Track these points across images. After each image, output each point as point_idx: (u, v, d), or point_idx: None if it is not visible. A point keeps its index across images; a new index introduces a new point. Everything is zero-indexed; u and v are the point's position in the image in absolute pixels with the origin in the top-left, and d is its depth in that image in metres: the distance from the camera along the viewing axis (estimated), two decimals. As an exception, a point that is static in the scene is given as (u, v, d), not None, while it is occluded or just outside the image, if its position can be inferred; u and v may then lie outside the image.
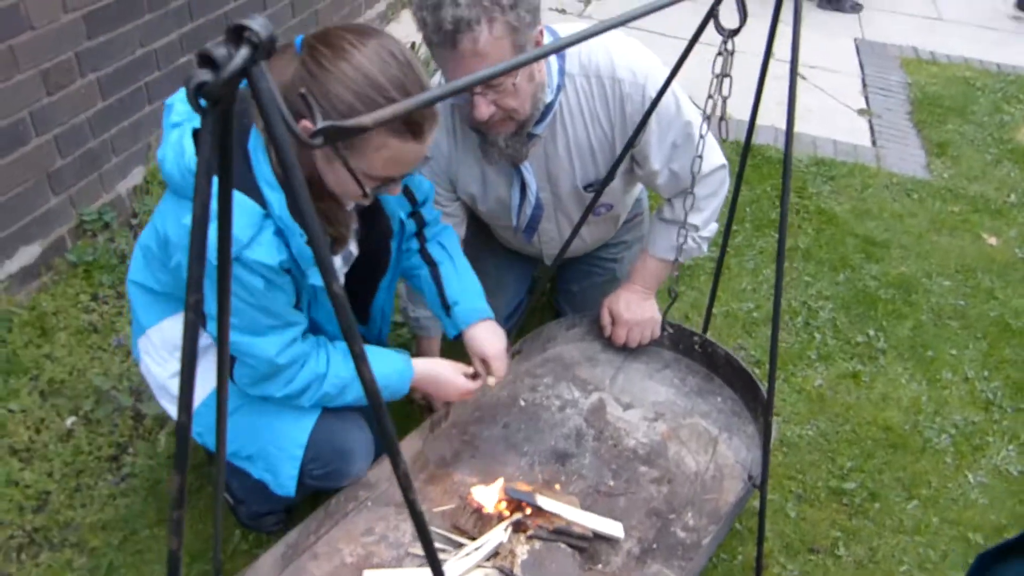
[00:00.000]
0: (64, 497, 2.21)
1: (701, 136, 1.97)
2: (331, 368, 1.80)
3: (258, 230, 1.53)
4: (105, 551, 2.09)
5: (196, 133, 1.52)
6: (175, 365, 1.88)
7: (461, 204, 2.37)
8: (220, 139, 0.84)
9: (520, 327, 2.53)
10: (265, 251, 1.54)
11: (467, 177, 2.23)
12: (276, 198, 1.54)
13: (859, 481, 2.47)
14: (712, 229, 2.31)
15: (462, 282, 2.10)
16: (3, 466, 2.25)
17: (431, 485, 2.03)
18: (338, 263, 1.88)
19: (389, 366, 1.89)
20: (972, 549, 2.34)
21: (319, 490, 2.02)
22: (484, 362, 2.06)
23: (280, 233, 1.57)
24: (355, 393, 1.84)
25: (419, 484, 2.03)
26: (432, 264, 2.09)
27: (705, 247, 2.33)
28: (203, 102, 0.76)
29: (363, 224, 1.90)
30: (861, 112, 4.49)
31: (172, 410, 1.94)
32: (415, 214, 2.02)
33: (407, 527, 1.93)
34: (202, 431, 1.88)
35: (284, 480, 1.87)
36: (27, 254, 2.71)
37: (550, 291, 2.91)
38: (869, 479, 2.49)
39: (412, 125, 1.50)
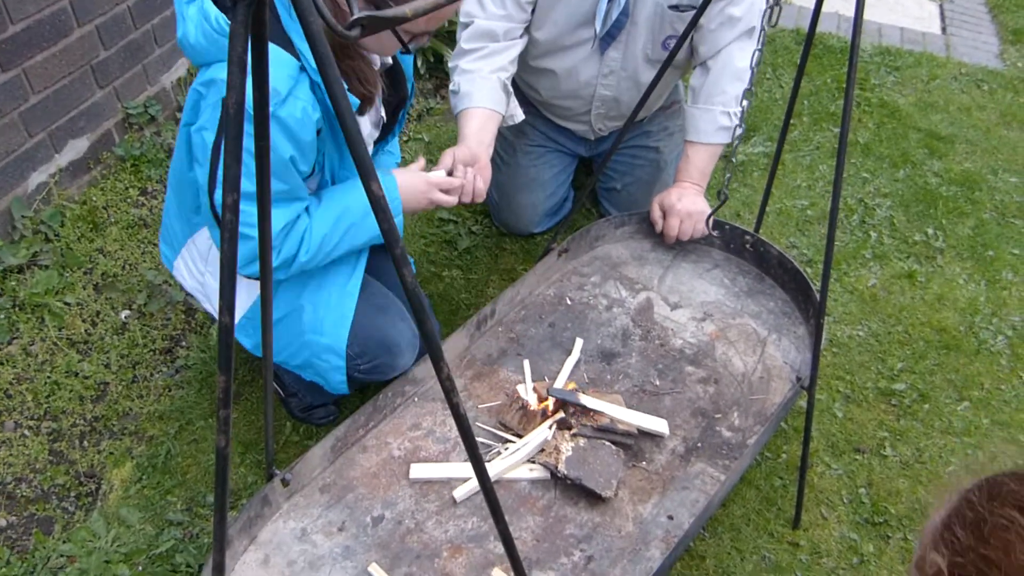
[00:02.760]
0: (122, 388, 2.28)
1: None
2: (318, 209, 1.74)
3: (295, 83, 1.51)
4: (163, 440, 2.16)
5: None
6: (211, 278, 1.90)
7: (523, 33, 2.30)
8: (256, 29, 0.81)
9: (568, 226, 2.49)
10: (301, 105, 1.51)
11: None
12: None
13: (909, 382, 2.44)
14: (746, 104, 2.24)
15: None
16: (63, 357, 2.32)
17: (477, 382, 2.04)
18: (367, 129, 1.87)
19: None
20: (1022, 452, 2.31)
21: (368, 383, 2.05)
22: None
23: (314, 88, 1.54)
24: (345, 226, 1.77)
25: (465, 381, 2.05)
26: None
27: (743, 124, 2.26)
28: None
29: (386, 89, 1.88)
30: (932, -4, 4.24)
31: (211, 310, 1.98)
32: None
33: (453, 423, 1.95)
34: (248, 343, 1.92)
35: (335, 385, 1.92)
36: (76, 148, 2.72)
37: (592, 190, 2.84)
38: (920, 380, 2.45)
39: None
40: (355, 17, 0.78)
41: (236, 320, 1.89)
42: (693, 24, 1.78)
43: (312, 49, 0.77)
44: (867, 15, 3.94)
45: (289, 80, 1.49)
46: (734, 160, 2.14)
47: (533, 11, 2.23)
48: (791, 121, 3.32)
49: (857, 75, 3.60)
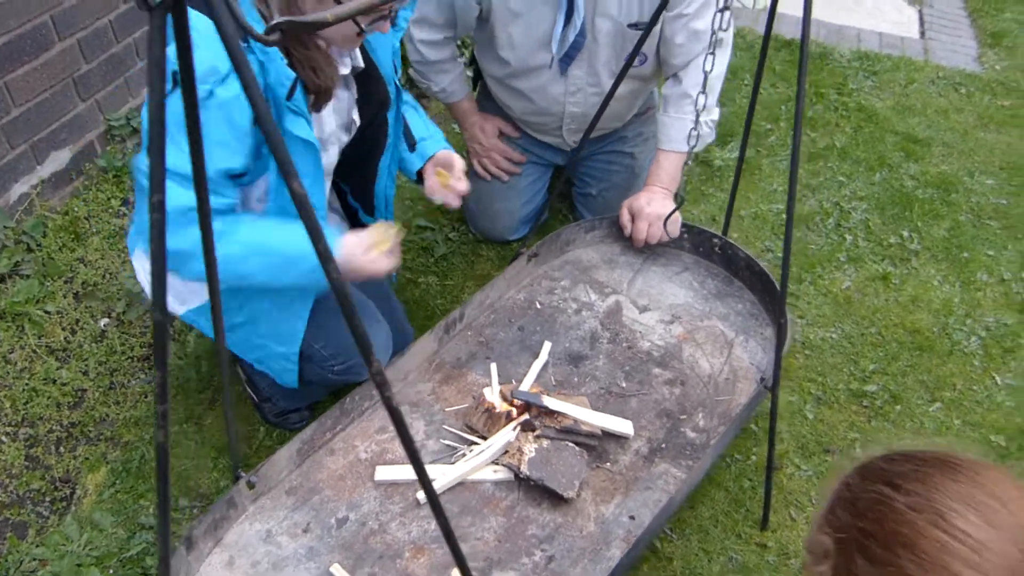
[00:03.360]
0: (99, 394, 2.31)
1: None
2: (240, 229, 1.64)
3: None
4: (137, 445, 2.19)
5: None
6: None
7: (455, 52, 2.49)
8: (179, 35, 0.83)
9: (541, 231, 2.52)
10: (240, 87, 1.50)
11: None
12: (256, 22, 1.47)
13: (881, 384, 2.45)
14: (717, 113, 2.34)
15: (425, 123, 2.10)
16: (41, 365, 2.35)
17: (445, 385, 2.07)
18: (331, 128, 1.82)
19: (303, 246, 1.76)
20: (993, 451, 2.33)
21: (342, 384, 2.08)
22: (447, 169, 2.01)
23: (260, 64, 1.51)
24: (260, 263, 1.66)
25: (434, 384, 2.07)
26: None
27: (714, 133, 2.35)
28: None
29: (361, 92, 1.87)
30: (912, 1, 4.26)
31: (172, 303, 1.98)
32: None
33: (420, 425, 1.98)
34: (205, 325, 1.94)
35: (286, 378, 1.95)
36: (58, 159, 2.76)
37: (569, 197, 2.88)
38: (892, 382, 2.46)
39: None
40: (274, 22, 0.81)
41: (193, 306, 1.92)
42: (641, 42, 1.84)
43: (228, 52, 0.79)
44: (845, 20, 3.97)
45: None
46: (689, 164, 2.17)
47: (486, 19, 2.27)
48: (767, 126, 3.35)
49: (833, 80, 3.64)
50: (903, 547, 0.79)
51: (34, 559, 1.95)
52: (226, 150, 1.55)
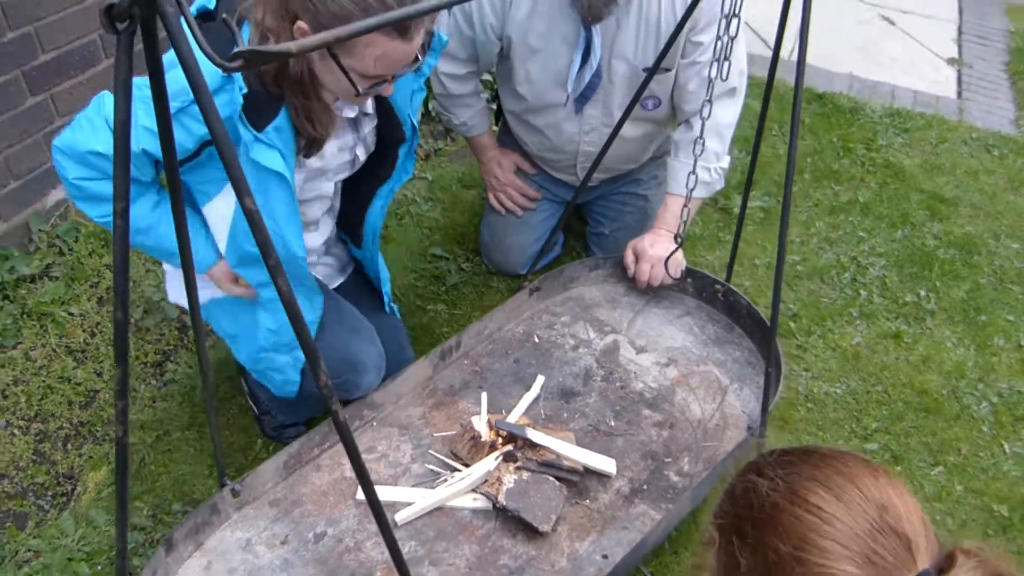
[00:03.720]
0: (109, 396, 2.39)
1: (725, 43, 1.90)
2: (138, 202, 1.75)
3: (220, 84, 1.52)
4: (139, 447, 2.26)
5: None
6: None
7: (477, 87, 2.56)
8: (149, 57, 0.89)
9: (554, 267, 2.56)
10: (223, 105, 1.53)
11: (531, 32, 2.24)
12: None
13: (883, 443, 2.42)
14: (727, 161, 2.36)
15: None
16: (59, 363, 2.45)
17: (436, 411, 2.11)
18: (333, 163, 1.88)
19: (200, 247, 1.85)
20: (994, 520, 2.28)
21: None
22: None
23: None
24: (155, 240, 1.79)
25: (425, 409, 2.11)
26: None
27: (723, 180, 2.38)
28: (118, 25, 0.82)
29: (378, 128, 1.92)
30: (951, 61, 4.24)
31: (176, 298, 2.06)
32: None
33: (407, 448, 2.02)
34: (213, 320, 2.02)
35: (286, 388, 1.99)
36: (94, 169, 2.88)
37: (583, 235, 2.92)
38: (894, 441, 2.43)
39: (399, 25, 1.47)
40: (237, 50, 0.85)
41: (202, 302, 1.98)
42: (647, 83, 1.88)
43: (185, 72, 0.85)
44: (881, 77, 3.96)
45: (216, 78, 1.51)
46: (689, 208, 2.19)
47: (506, 55, 2.33)
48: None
49: (862, 135, 3.63)
50: (767, 525, 0.89)
51: (29, 550, 2.02)
52: (153, 138, 1.58)
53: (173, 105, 1.52)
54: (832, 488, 0.87)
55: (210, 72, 1.51)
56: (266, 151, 1.63)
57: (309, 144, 1.71)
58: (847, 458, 0.92)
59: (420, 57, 1.63)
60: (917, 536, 0.85)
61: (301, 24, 1.49)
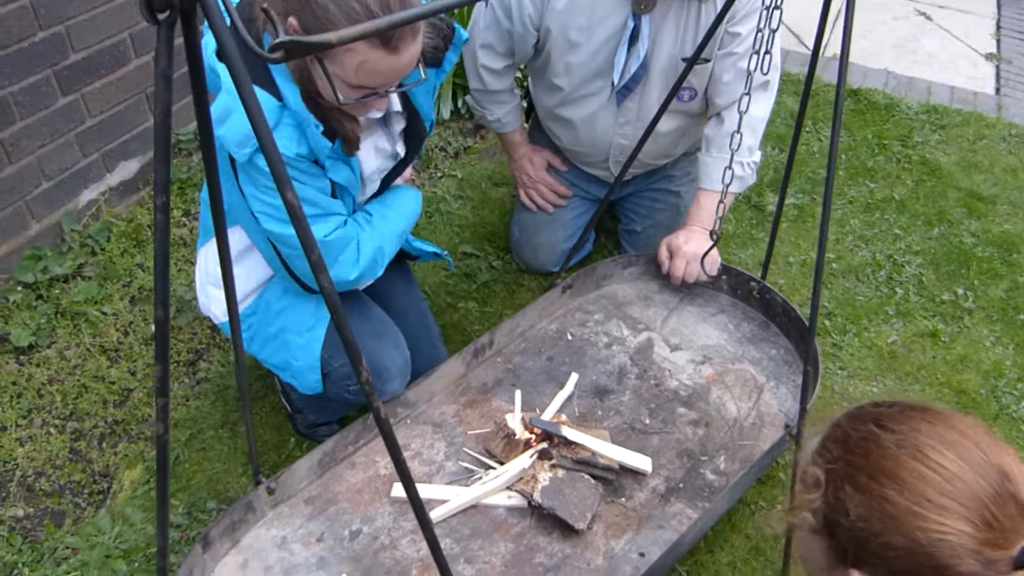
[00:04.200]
0: (143, 395, 2.40)
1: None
2: (374, 227, 1.89)
3: (276, 123, 1.58)
4: (174, 446, 2.26)
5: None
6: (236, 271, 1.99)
7: (513, 83, 2.55)
8: (188, 47, 0.89)
9: (584, 265, 2.54)
10: (284, 143, 1.59)
11: (572, 24, 2.22)
12: (291, 91, 1.58)
13: (921, 442, 2.38)
14: (759, 156, 2.33)
15: None
16: (93, 363, 2.46)
17: (469, 409, 2.09)
18: (377, 163, 1.91)
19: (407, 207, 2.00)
20: None
21: (362, 404, 2.12)
22: None
23: (299, 126, 1.61)
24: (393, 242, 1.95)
25: (458, 407, 2.10)
26: None
27: (755, 175, 2.35)
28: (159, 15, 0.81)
29: (406, 127, 1.94)
30: (989, 57, 4.17)
31: (214, 310, 2.07)
32: None
33: (441, 446, 2.01)
34: (248, 337, 2.01)
35: (310, 384, 1.99)
36: (126, 169, 2.90)
37: (615, 233, 2.90)
38: (933, 441, 2.39)
39: (383, 35, 1.45)
40: (277, 41, 0.85)
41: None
42: (686, 73, 1.84)
43: (227, 66, 0.84)
44: (917, 73, 3.90)
45: (269, 120, 1.53)
46: (725, 204, 2.16)
47: (542, 47, 2.32)
48: (824, 175, 3.30)
49: (898, 132, 3.58)
50: (886, 476, 0.90)
51: (67, 547, 2.03)
52: (301, 184, 1.68)
53: (242, 154, 1.57)
54: (957, 449, 0.89)
55: (266, 108, 1.55)
56: (342, 167, 1.69)
57: (345, 144, 1.72)
58: (969, 421, 0.93)
59: (423, 72, 1.62)
60: None
61: (292, 20, 1.47)
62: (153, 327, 2.58)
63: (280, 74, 1.58)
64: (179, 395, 2.41)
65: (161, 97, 0.86)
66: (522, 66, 2.66)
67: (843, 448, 0.97)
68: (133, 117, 2.86)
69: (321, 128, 1.61)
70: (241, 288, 1.91)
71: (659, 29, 2.19)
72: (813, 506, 0.97)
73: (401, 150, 1.95)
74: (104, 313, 2.60)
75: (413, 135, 1.95)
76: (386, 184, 1.99)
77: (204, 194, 2.01)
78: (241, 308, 1.96)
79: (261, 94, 1.56)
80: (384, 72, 1.53)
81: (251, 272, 1.95)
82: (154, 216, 0.93)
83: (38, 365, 2.44)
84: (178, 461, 2.24)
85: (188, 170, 3.06)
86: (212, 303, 2.03)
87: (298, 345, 1.94)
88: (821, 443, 1.01)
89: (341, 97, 1.52)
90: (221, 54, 0.84)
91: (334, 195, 1.79)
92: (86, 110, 2.68)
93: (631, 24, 2.17)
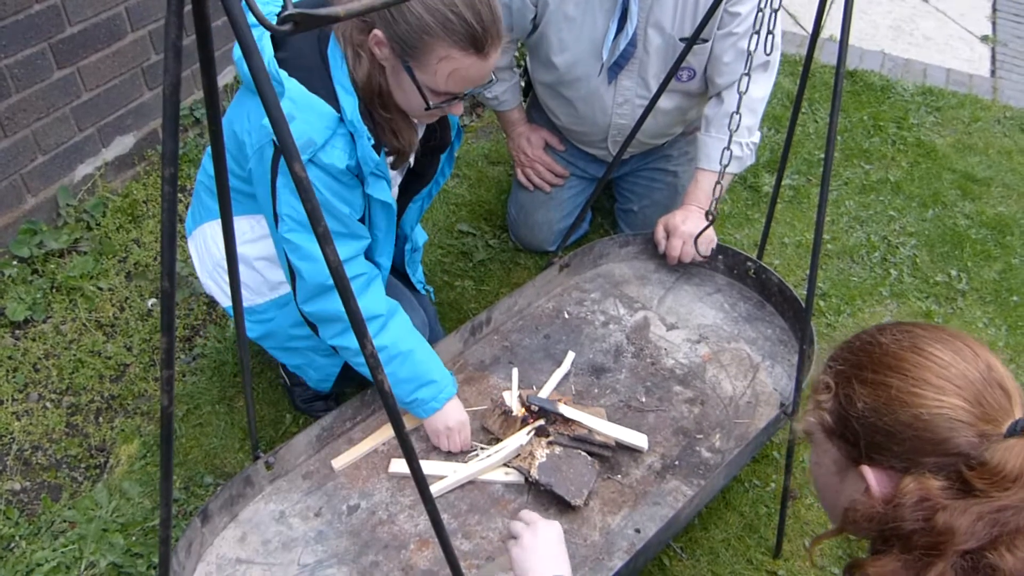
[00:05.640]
0: (140, 370, 2.40)
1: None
2: (396, 321, 1.85)
3: (332, 133, 1.58)
4: (171, 421, 2.27)
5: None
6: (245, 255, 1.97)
7: (512, 60, 2.55)
8: (198, 19, 0.88)
9: (581, 244, 2.54)
10: (338, 154, 1.60)
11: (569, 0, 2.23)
12: (349, 103, 1.59)
13: (913, 422, 2.40)
14: (758, 136, 2.34)
15: None
16: (89, 337, 2.46)
17: (466, 386, 2.10)
18: (393, 174, 1.92)
19: (436, 370, 1.90)
20: None
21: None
22: None
23: (351, 141, 1.62)
24: (403, 366, 1.85)
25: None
26: None
27: (754, 156, 2.35)
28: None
29: (425, 135, 1.92)
30: (984, 39, 4.17)
31: (219, 296, 2.06)
32: None
33: (438, 423, 2.01)
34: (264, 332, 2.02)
35: (320, 385, 2.01)
36: (123, 144, 2.89)
37: (611, 212, 2.90)
38: (925, 421, 2.41)
39: (475, 40, 1.51)
40: (287, 12, 0.84)
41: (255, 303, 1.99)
42: (685, 53, 1.83)
43: (237, 38, 0.84)
44: (913, 55, 3.90)
45: (326, 131, 1.56)
46: (722, 184, 2.16)
47: (538, 24, 2.31)
48: (820, 156, 3.31)
49: (894, 114, 3.58)
50: (889, 368, 1.01)
51: (64, 520, 2.04)
52: (339, 199, 1.67)
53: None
54: (949, 345, 1.00)
55: (321, 125, 1.55)
56: (377, 183, 1.69)
57: (396, 158, 1.73)
58: (959, 331, 1.05)
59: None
60: (1015, 392, 0.99)
61: (377, 32, 1.52)
62: (149, 302, 2.59)
63: (340, 84, 1.58)
64: (175, 371, 2.41)
65: (171, 68, 0.86)
66: (520, 44, 2.65)
67: (849, 353, 1.07)
68: (129, 91, 2.84)
69: (372, 141, 1.62)
70: (271, 276, 1.91)
71: (652, 7, 2.19)
72: (826, 406, 1.07)
73: (411, 161, 1.95)
74: (100, 288, 2.60)
75: (433, 139, 1.95)
76: (403, 197, 1.99)
77: (201, 172, 1.99)
78: (268, 298, 1.96)
79: (321, 104, 1.56)
80: (474, 77, 1.58)
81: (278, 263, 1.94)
82: (161, 188, 0.93)
83: (34, 339, 2.44)
84: (175, 436, 2.24)
85: (184, 146, 3.04)
86: (223, 288, 2.02)
87: (320, 364, 1.96)
88: (830, 358, 1.11)
89: (431, 103, 1.56)
90: (232, 24, 0.83)
91: (370, 212, 1.78)
92: (82, 84, 2.66)
93: (620, 1, 2.17)
